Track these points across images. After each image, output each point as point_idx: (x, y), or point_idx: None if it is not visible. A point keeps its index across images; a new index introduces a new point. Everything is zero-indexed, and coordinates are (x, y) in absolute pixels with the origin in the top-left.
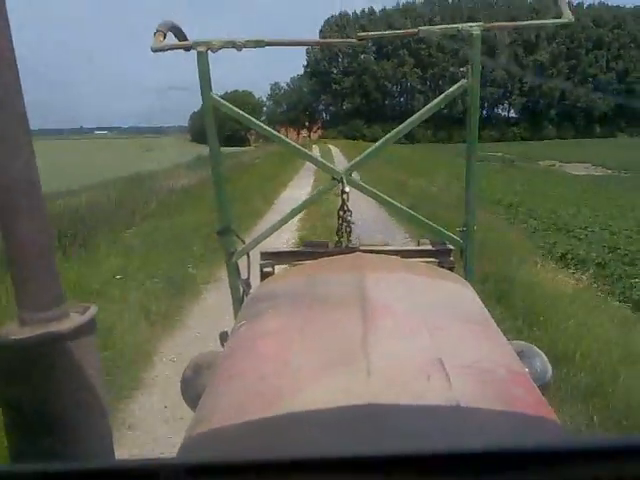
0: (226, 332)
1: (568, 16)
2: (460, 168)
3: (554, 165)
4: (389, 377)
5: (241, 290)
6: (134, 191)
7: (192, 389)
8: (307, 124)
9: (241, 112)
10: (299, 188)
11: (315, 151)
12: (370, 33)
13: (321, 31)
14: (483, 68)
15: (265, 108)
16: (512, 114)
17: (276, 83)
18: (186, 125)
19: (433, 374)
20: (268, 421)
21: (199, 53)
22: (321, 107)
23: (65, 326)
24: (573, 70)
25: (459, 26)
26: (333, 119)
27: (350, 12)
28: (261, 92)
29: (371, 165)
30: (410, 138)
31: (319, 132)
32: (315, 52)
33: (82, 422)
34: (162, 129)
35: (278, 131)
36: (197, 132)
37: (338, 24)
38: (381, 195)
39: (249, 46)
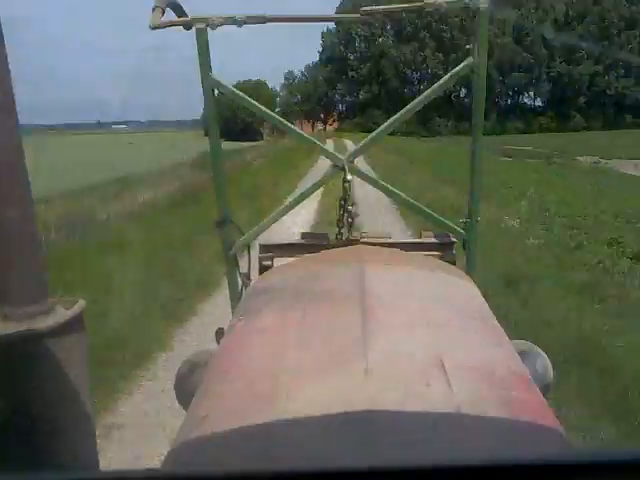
0: (222, 329)
1: None
2: (513, 171)
3: (599, 163)
4: (387, 378)
5: (240, 284)
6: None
7: (186, 388)
8: (322, 116)
9: (243, 95)
10: (298, 210)
11: (329, 146)
12: (375, 7)
13: (337, 11)
14: (503, 49)
15: (279, 99)
16: (538, 103)
17: (290, 72)
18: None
19: (433, 376)
20: (261, 426)
21: (198, 30)
22: (337, 97)
23: (50, 321)
24: (604, 52)
25: (466, 0)
26: (350, 110)
27: None
28: (275, 82)
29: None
30: (431, 132)
31: (335, 124)
32: (330, 36)
33: (65, 423)
34: (181, 123)
35: (293, 124)
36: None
37: (355, 4)
38: (383, 184)
39: (250, 22)
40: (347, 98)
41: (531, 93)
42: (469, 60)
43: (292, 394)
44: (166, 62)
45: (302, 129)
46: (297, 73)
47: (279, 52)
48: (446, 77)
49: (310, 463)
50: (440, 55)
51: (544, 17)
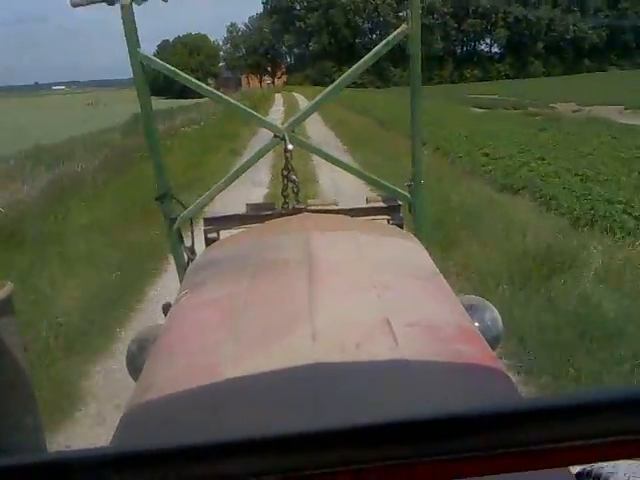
0: (169, 303)
1: None
2: (504, 129)
3: (580, 111)
4: (334, 340)
5: (185, 258)
6: None
7: (136, 363)
8: (270, 69)
9: (172, 68)
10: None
11: (278, 104)
12: None
13: None
14: None
15: (222, 53)
16: (495, 49)
17: (233, 24)
18: None
19: (379, 335)
20: (208, 392)
21: (122, 6)
22: (284, 49)
23: None
24: None
25: None
26: (299, 62)
27: None
28: (217, 36)
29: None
30: (386, 82)
31: (284, 78)
32: None
33: (6, 402)
34: (124, 81)
35: (239, 80)
36: (153, 84)
37: None
38: (326, 152)
39: None
40: (295, 50)
41: (488, 40)
42: (404, 27)
43: (238, 362)
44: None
45: (249, 84)
46: (241, 26)
47: (220, 4)
48: (381, 44)
49: (256, 426)
50: (393, 2)
51: None
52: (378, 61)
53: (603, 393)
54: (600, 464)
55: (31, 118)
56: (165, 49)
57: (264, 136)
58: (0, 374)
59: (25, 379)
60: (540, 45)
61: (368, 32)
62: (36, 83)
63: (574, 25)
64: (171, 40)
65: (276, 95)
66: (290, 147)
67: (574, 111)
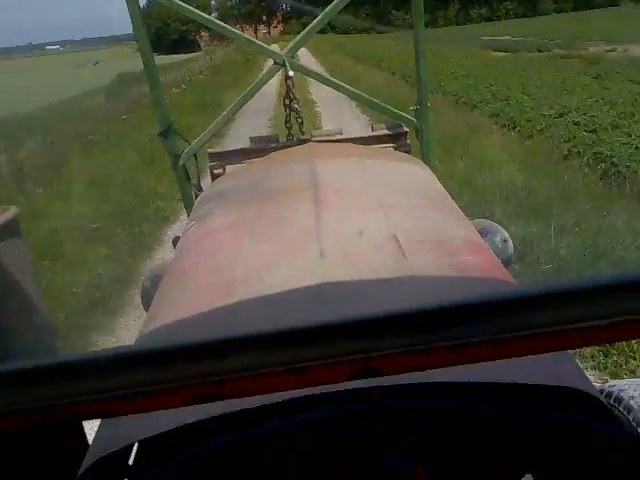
0: (178, 237)
1: None
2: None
3: (613, 51)
4: (342, 256)
5: (192, 194)
6: None
7: (149, 297)
8: (265, 18)
9: (179, 2)
10: None
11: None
12: None
13: None
14: None
15: (213, 2)
16: None
17: None
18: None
19: (387, 250)
20: (222, 309)
21: None
22: None
23: None
24: None
25: None
26: (296, 9)
27: None
28: None
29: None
30: (388, 23)
31: (280, 27)
32: None
33: (17, 320)
34: (117, 38)
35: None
36: None
37: None
38: (329, 78)
39: None
40: None
41: None
42: None
43: (250, 280)
44: None
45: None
46: None
47: None
48: None
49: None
50: None
51: None
52: (379, 4)
53: (590, 280)
54: (611, 382)
55: (11, 83)
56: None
57: (249, 114)
58: (9, 297)
59: (36, 302)
60: None
61: None
62: (30, 43)
63: None
64: None
65: (273, 46)
66: (291, 74)
67: (607, 51)
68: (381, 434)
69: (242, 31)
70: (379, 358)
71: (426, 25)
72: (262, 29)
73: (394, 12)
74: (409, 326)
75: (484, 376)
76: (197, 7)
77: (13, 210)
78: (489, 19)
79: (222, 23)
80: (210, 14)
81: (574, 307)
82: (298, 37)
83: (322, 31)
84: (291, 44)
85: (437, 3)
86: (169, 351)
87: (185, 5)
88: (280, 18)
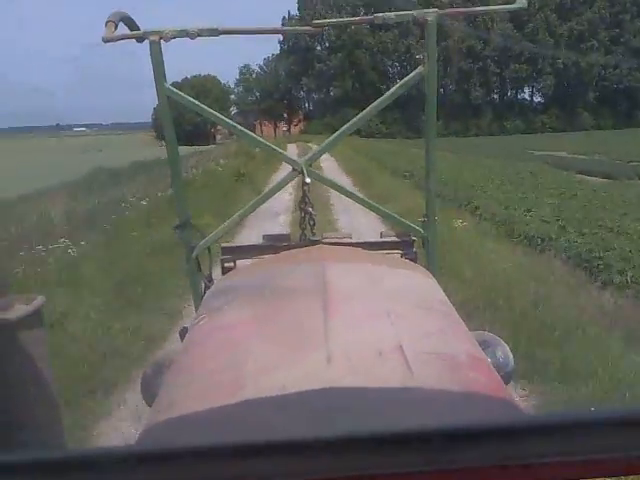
0: (186, 328)
1: (522, 2)
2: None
3: None
4: (347, 364)
5: (202, 286)
6: None
7: (152, 388)
8: (286, 116)
9: (198, 103)
10: None
11: (286, 167)
12: (326, 20)
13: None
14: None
15: (233, 96)
16: (538, 99)
17: (246, 66)
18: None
19: (392, 360)
20: (226, 409)
21: (151, 43)
22: (302, 94)
23: (10, 315)
24: (615, 41)
25: (414, 12)
26: (318, 108)
27: None
28: (228, 77)
29: None
30: (415, 131)
31: (301, 125)
32: (293, 23)
33: (30, 412)
34: (142, 125)
35: (253, 126)
36: (160, 128)
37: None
38: (343, 187)
39: (203, 35)
40: (314, 95)
41: (530, 88)
42: (420, 69)
43: (256, 381)
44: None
45: (262, 131)
46: (254, 67)
47: (232, 44)
48: (397, 86)
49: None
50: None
51: (547, 1)
52: (407, 109)
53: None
54: None
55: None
56: None
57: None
58: (24, 385)
59: (49, 391)
60: (591, 95)
61: (398, 75)
62: (58, 124)
63: (629, 73)
64: (180, 81)
65: (289, 145)
66: (308, 180)
67: None
68: None
69: (261, 127)
70: (380, 477)
71: (457, 134)
72: (282, 126)
73: (423, 118)
74: (412, 447)
75: None
76: (215, 100)
77: (40, 299)
78: (524, 131)
79: (239, 126)
80: (229, 108)
81: (575, 438)
82: (319, 148)
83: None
84: (310, 154)
85: (470, 112)
86: (175, 453)
87: (198, 103)
88: (301, 117)
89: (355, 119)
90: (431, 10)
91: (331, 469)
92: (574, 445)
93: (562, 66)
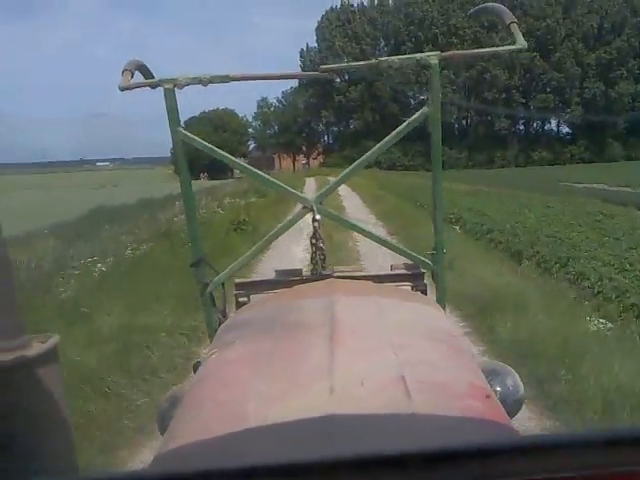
0: (199, 362)
1: (522, 42)
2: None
3: None
4: (349, 395)
5: (217, 321)
6: None
7: (165, 420)
8: (304, 149)
9: (211, 146)
10: None
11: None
12: (333, 65)
13: (318, 28)
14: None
15: (251, 130)
16: (565, 129)
17: (264, 99)
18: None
19: (393, 390)
20: (229, 440)
21: (166, 90)
22: (321, 127)
23: (29, 352)
24: None
25: (417, 56)
26: (337, 141)
27: (355, 2)
28: (246, 111)
29: None
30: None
31: (320, 158)
32: (311, 55)
33: (47, 451)
34: (163, 159)
35: (272, 160)
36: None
37: (340, 18)
38: (353, 223)
39: (215, 82)
40: (334, 128)
41: (558, 119)
42: (424, 109)
43: (259, 414)
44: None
45: (280, 165)
46: (273, 101)
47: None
48: (403, 125)
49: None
50: (450, 73)
51: (574, 30)
52: (429, 141)
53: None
54: None
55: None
56: (191, 126)
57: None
58: (40, 421)
59: (66, 427)
60: (621, 125)
61: (419, 107)
62: (81, 159)
63: None
64: (198, 115)
65: (307, 179)
66: (318, 217)
67: None
68: None
69: (280, 160)
70: None
71: (482, 166)
72: (301, 159)
73: (447, 150)
74: (393, 469)
75: None
76: (234, 134)
77: (55, 339)
78: (551, 162)
79: (249, 166)
80: (247, 142)
81: (558, 459)
82: (328, 186)
83: (366, 165)
84: (322, 190)
85: (494, 143)
86: (182, 476)
87: (211, 146)
88: (320, 150)
89: (360, 160)
90: (434, 53)
91: None
92: (557, 465)
93: (590, 96)
